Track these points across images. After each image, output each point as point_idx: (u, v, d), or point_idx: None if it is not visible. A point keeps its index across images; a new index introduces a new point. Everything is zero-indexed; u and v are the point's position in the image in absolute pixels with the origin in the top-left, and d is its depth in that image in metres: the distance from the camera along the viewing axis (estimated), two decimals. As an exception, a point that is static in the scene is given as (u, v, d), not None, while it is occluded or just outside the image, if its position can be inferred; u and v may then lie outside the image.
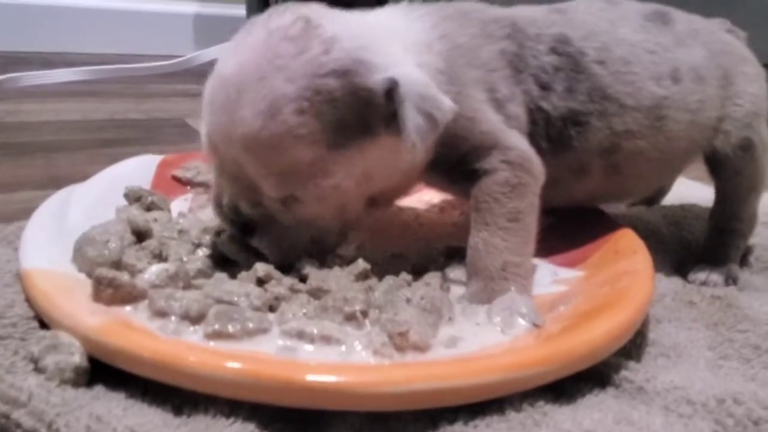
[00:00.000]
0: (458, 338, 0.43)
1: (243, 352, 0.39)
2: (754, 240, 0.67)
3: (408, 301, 0.45)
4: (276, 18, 0.47)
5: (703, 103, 0.59)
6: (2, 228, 0.59)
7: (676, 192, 0.77)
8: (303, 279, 0.48)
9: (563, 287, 0.52)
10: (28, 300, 0.45)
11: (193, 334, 0.41)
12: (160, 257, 0.49)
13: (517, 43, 0.56)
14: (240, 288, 0.44)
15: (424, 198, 0.69)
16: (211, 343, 0.40)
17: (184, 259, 0.48)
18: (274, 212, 0.49)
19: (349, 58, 0.46)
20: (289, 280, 0.47)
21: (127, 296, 0.43)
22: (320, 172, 0.47)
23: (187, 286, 0.45)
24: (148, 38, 1.79)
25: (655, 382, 0.42)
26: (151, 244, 0.49)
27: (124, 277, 0.43)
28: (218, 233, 0.52)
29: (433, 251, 0.57)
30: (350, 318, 0.43)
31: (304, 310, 0.43)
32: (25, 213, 0.58)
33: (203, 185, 0.69)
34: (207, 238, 0.52)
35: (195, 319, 0.41)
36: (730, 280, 0.61)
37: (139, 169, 0.67)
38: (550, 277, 0.54)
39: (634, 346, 0.47)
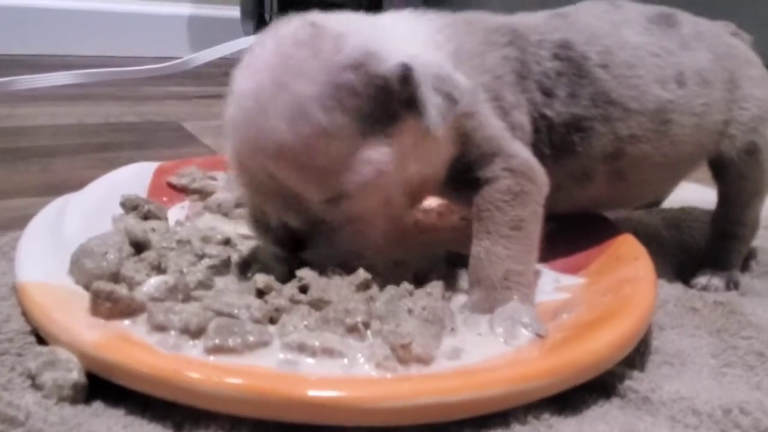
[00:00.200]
0: (461, 350, 0.43)
1: (244, 367, 0.39)
2: (755, 243, 0.66)
3: (410, 311, 0.45)
4: (283, 28, 0.48)
5: (708, 107, 0.58)
6: (-3, 238, 0.58)
7: (675, 195, 0.76)
8: (303, 289, 0.47)
9: (565, 294, 0.52)
10: (25, 314, 0.44)
11: (193, 349, 0.40)
12: (158, 269, 0.48)
13: (519, 49, 0.55)
14: (240, 300, 0.44)
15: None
16: (212, 358, 0.40)
17: (184, 270, 0.48)
18: (324, 216, 0.48)
19: (359, 51, 0.46)
20: (289, 291, 0.46)
21: (126, 310, 0.42)
22: (358, 162, 0.46)
23: (187, 299, 0.45)
24: (142, 40, 1.78)
25: (660, 392, 0.42)
26: (149, 255, 0.49)
27: (122, 290, 0.42)
28: (256, 259, 0.51)
29: (434, 257, 0.57)
30: (352, 330, 0.42)
31: (305, 322, 0.43)
32: (21, 220, 0.57)
33: (199, 192, 0.68)
34: (210, 249, 0.52)
35: (195, 333, 0.41)
36: (732, 284, 0.61)
37: (135, 176, 0.67)
38: (552, 284, 0.54)
39: (637, 354, 0.47)
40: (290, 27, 0.48)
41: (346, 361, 0.40)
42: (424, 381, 0.39)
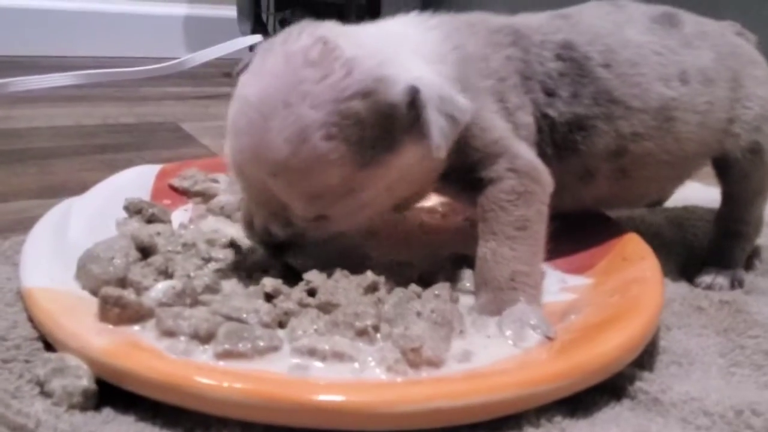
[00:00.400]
0: (470, 352, 0.43)
1: (254, 372, 0.39)
2: (759, 242, 0.66)
3: (419, 314, 0.45)
4: (293, 41, 0.47)
5: (712, 105, 0.58)
6: (0, 243, 0.57)
7: (678, 193, 0.76)
8: (311, 292, 0.47)
9: (572, 295, 0.52)
10: (32, 320, 0.44)
11: (203, 354, 0.40)
12: (165, 273, 0.48)
13: (522, 49, 0.56)
14: (248, 304, 0.44)
15: (426, 204, 0.68)
16: (222, 363, 0.40)
17: (191, 274, 0.48)
18: (304, 230, 0.49)
19: (370, 77, 0.45)
20: (297, 294, 0.46)
21: (134, 315, 0.42)
22: (349, 191, 0.47)
23: (195, 303, 0.45)
24: (139, 41, 1.78)
25: (670, 393, 0.42)
26: (156, 260, 0.48)
27: (131, 296, 0.42)
28: (265, 270, 0.51)
29: (439, 258, 0.56)
30: (361, 333, 0.42)
31: (315, 326, 0.43)
32: (20, 223, 0.57)
33: (201, 194, 0.68)
34: (215, 252, 0.52)
35: (204, 338, 0.41)
36: (736, 282, 0.61)
37: (137, 179, 0.66)
38: (558, 285, 0.54)
39: (645, 354, 0.46)
40: (302, 40, 0.46)
41: (356, 365, 0.40)
42: (435, 385, 0.39)
